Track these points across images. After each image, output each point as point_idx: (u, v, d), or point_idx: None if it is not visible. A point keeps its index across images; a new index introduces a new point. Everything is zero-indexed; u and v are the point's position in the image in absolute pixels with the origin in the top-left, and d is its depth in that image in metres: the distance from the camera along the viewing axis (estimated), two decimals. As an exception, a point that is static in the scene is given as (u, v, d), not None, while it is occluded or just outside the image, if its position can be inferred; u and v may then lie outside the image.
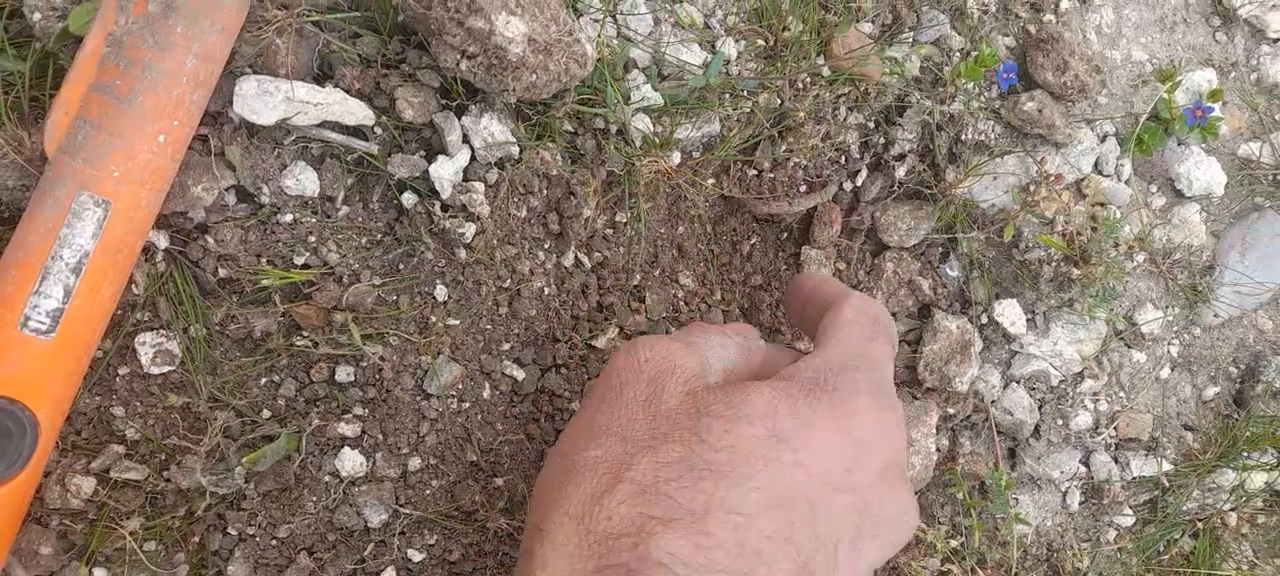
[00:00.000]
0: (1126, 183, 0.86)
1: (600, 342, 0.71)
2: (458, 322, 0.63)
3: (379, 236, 0.61)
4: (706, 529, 0.40)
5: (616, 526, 0.40)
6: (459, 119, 0.61)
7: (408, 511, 0.62)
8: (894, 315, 0.83)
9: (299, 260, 0.59)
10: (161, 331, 0.57)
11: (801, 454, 0.43)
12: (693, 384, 0.47)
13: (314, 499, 0.60)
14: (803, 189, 0.76)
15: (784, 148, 0.73)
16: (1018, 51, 0.83)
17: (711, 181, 0.74)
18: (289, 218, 0.58)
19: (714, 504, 0.40)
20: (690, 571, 0.38)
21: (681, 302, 0.76)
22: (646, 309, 0.74)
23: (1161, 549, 0.89)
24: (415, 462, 0.62)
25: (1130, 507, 0.88)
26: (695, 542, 0.39)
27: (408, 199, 0.61)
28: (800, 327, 0.57)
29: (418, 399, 0.62)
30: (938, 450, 0.82)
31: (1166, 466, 0.88)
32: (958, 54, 0.80)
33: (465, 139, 0.61)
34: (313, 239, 0.59)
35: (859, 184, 0.81)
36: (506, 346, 0.66)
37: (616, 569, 0.39)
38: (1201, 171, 0.89)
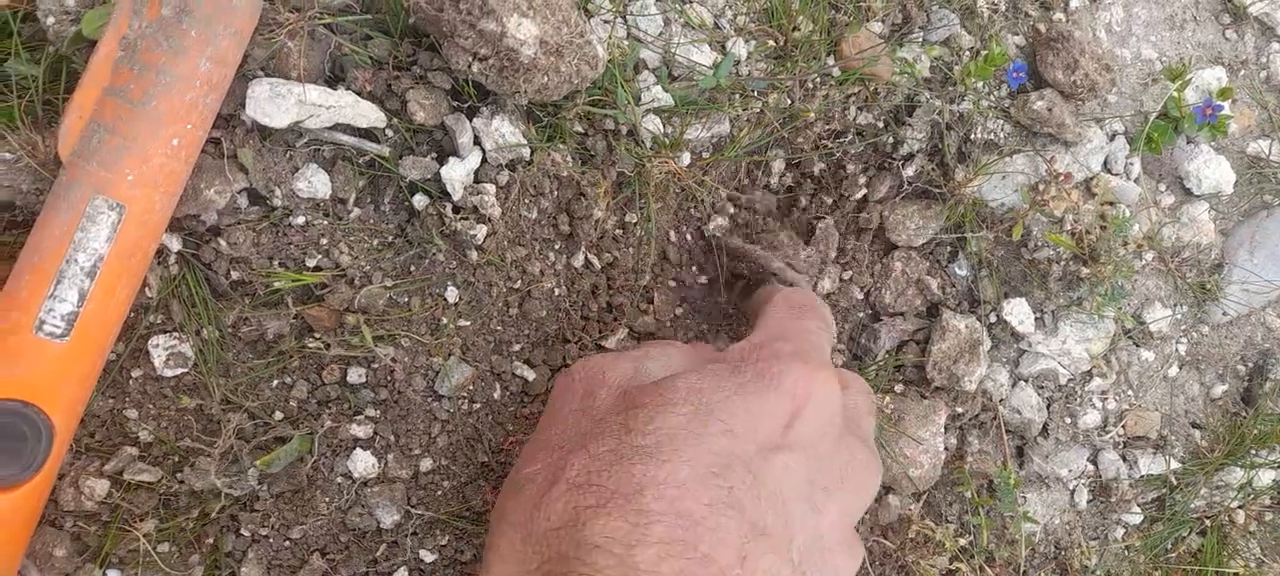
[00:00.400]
0: (1135, 181, 0.85)
1: (610, 343, 0.71)
2: (469, 324, 0.63)
3: (390, 238, 0.61)
4: (640, 506, 0.41)
5: (554, 522, 0.42)
6: (470, 121, 0.61)
7: (420, 512, 0.62)
8: (901, 314, 0.83)
9: (311, 262, 0.59)
10: (174, 334, 0.57)
11: (731, 422, 0.44)
12: (625, 385, 0.49)
13: (327, 500, 0.60)
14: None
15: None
16: (1027, 50, 0.83)
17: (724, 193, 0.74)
18: (301, 220, 0.58)
19: (646, 481, 0.41)
20: (628, 549, 0.39)
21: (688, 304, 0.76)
22: (655, 309, 0.74)
23: (1169, 547, 0.89)
24: (427, 464, 0.62)
25: (1138, 505, 0.88)
26: (630, 521, 0.40)
27: (419, 201, 0.61)
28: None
29: (429, 400, 0.62)
30: (946, 449, 0.82)
31: (1174, 464, 0.88)
32: (967, 53, 0.80)
33: (476, 141, 0.61)
34: (325, 241, 0.59)
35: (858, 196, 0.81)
36: (517, 347, 0.66)
37: (557, 560, 0.40)
38: (1211, 169, 0.89)
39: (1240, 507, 0.89)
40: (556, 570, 0.40)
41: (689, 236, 0.75)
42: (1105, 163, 0.85)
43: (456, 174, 0.60)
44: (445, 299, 0.62)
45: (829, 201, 0.81)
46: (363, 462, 0.60)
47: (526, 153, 0.62)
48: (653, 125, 0.67)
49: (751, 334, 0.53)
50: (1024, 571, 0.83)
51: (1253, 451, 0.89)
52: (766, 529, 0.42)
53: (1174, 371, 0.90)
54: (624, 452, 0.43)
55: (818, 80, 0.73)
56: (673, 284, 0.75)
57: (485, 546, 0.47)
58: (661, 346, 0.55)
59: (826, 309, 0.60)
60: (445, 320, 0.62)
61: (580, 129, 0.65)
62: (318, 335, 0.59)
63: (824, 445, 0.47)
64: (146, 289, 0.56)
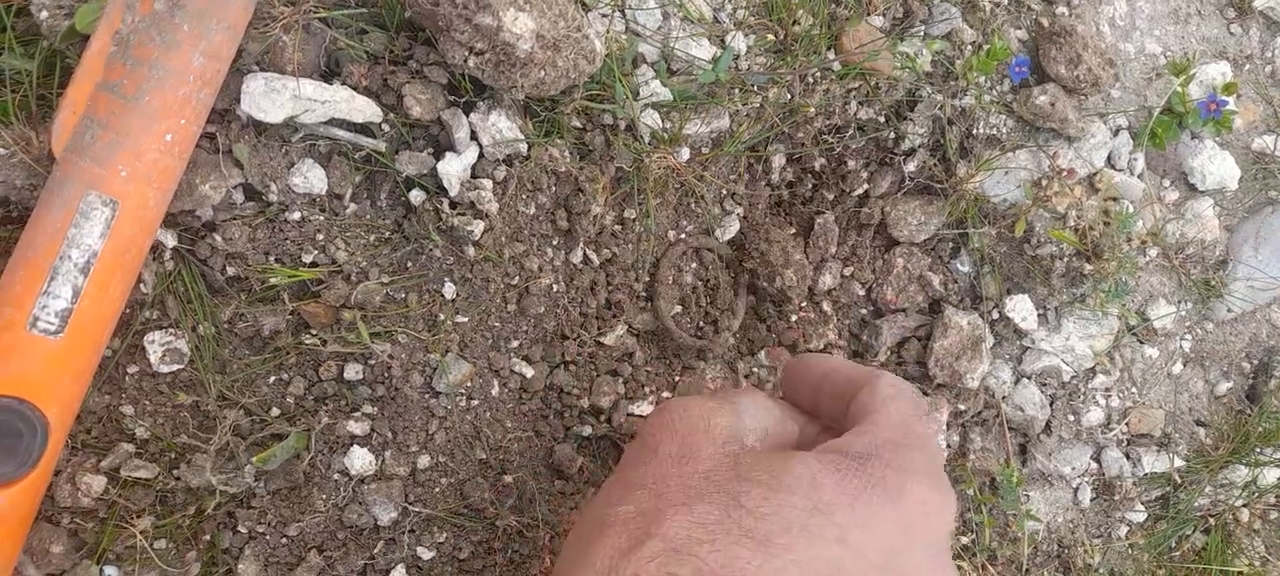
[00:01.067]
0: (1139, 177, 0.85)
1: (609, 339, 0.70)
2: (466, 320, 0.63)
3: (387, 234, 0.61)
4: None
5: None
6: (467, 116, 0.60)
7: (417, 509, 0.62)
8: (903, 311, 0.83)
9: (307, 258, 0.58)
10: (170, 330, 0.57)
11: (846, 530, 0.41)
12: (729, 445, 0.46)
13: (324, 497, 0.60)
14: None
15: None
16: (1030, 44, 0.82)
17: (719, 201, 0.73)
18: (297, 215, 0.58)
19: (749, 571, 0.38)
20: None
21: (692, 302, 0.76)
22: (655, 307, 0.74)
23: (1173, 545, 0.88)
24: (424, 460, 0.62)
25: (1142, 503, 0.87)
26: None
27: (416, 196, 0.60)
28: (814, 413, 0.54)
29: (427, 397, 0.62)
30: (948, 446, 0.82)
31: (1178, 462, 0.88)
32: (969, 47, 0.79)
33: (473, 136, 0.61)
34: (321, 237, 0.59)
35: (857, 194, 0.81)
36: (515, 343, 0.66)
37: None
38: (1215, 165, 0.88)
39: (1245, 505, 0.88)
40: None
41: (687, 233, 0.75)
42: (1109, 158, 0.85)
43: (453, 169, 0.60)
44: (442, 295, 0.61)
45: (830, 197, 0.80)
46: (360, 459, 0.60)
47: (524, 148, 0.61)
48: (651, 120, 0.66)
49: (872, 425, 0.47)
50: (1027, 569, 0.83)
51: (1257, 449, 0.88)
52: None
53: (1178, 368, 0.90)
54: (731, 528, 0.40)
55: (818, 75, 0.72)
56: (672, 281, 0.74)
57: (556, 571, 0.45)
58: (752, 398, 0.51)
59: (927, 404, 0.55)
60: (443, 316, 0.62)
61: (578, 124, 0.65)
62: (314, 331, 0.59)
63: (925, 570, 0.44)
64: (142, 285, 0.56)
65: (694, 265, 0.76)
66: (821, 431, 0.52)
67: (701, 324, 0.77)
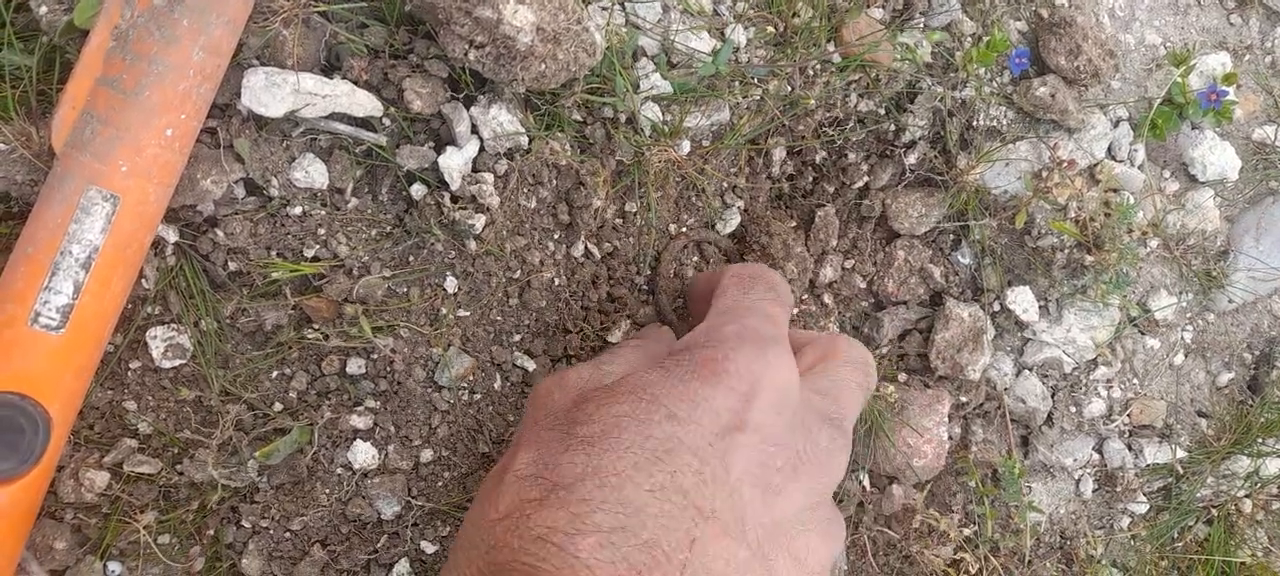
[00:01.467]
0: (1140, 168, 0.85)
1: (614, 336, 0.70)
2: (468, 314, 0.63)
3: (388, 228, 0.61)
4: (581, 495, 0.40)
5: (501, 512, 0.42)
6: (467, 109, 0.60)
7: (420, 503, 0.62)
8: (904, 303, 0.83)
9: (309, 253, 0.58)
10: (172, 325, 0.57)
11: (675, 408, 0.44)
12: (582, 387, 0.49)
13: (327, 491, 0.60)
14: None
15: None
16: (1030, 36, 0.82)
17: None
18: (298, 210, 0.58)
19: (587, 472, 0.41)
20: (569, 538, 0.39)
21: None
22: (655, 300, 0.74)
23: (1176, 536, 0.88)
24: (427, 454, 0.62)
25: (1144, 495, 0.87)
26: (571, 512, 0.40)
27: (417, 190, 0.60)
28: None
29: (429, 390, 0.62)
30: (950, 438, 0.82)
31: (1180, 453, 0.88)
32: (969, 39, 0.79)
33: (474, 129, 0.61)
34: (322, 231, 0.59)
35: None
36: (517, 337, 0.66)
37: (503, 551, 0.40)
38: (1215, 156, 0.88)
39: (1247, 496, 0.88)
40: (502, 560, 0.40)
41: (689, 224, 0.75)
42: (1109, 149, 0.85)
43: (454, 163, 0.59)
44: (444, 289, 0.61)
45: (830, 190, 0.80)
46: (363, 454, 0.60)
47: (525, 141, 0.61)
48: (652, 113, 0.66)
49: (703, 322, 0.52)
50: (1029, 561, 0.83)
51: (1259, 440, 0.88)
52: (715, 512, 0.41)
53: (1180, 359, 0.90)
54: (568, 444, 0.43)
55: (818, 67, 0.72)
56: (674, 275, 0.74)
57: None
58: (621, 348, 0.55)
59: (777, 276, 0.58)
60: (444, 310, 0.62)
61: (578, 117, 0.65)
62: (316, 326, 0.59)
63: (777, 427, 0.46)
64: (143, 280, 0.56)
65: (695, 258, 0.76)
66: None
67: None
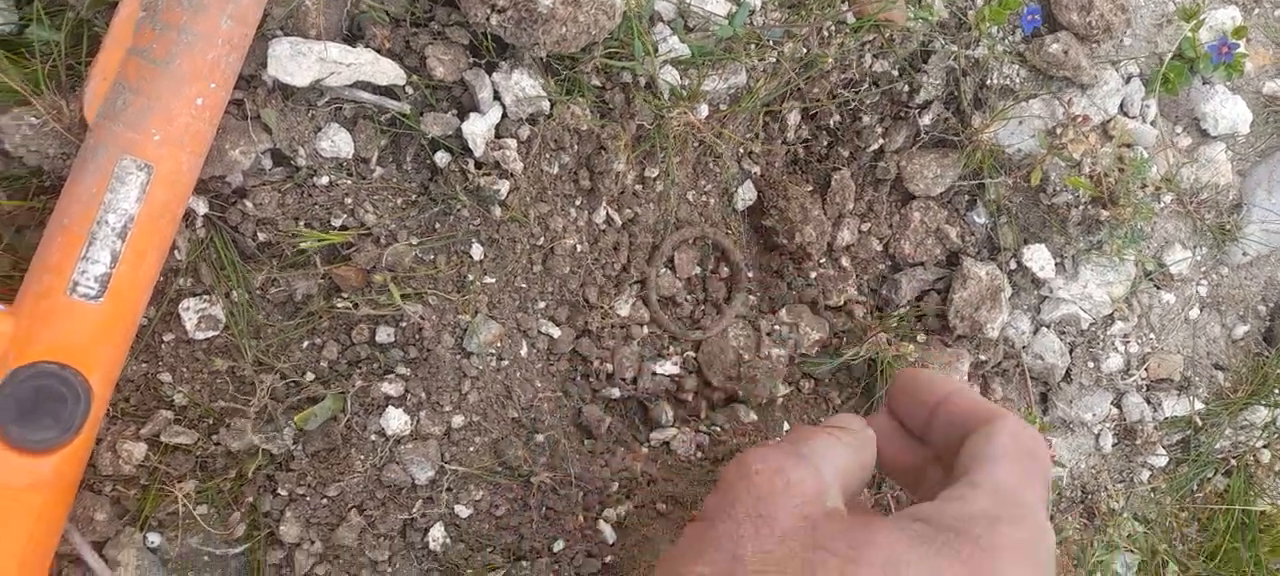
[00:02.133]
0: (1152, 123, 0.85)
1: (622, 308, 0.70)
2: (494, 281, 0.63)
3: (414, 196, 0.61)
4: None
5: None
6: (489, 76, 0.61)
7: (453, 467, 0.63)
8: (922, 264, 0.83)
9: (336, 222, 0.59)
10: (205, 297, 0.57)
11: None
12: (808, 507, 0.43)
13: (361, 458, 0.60)
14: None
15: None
16: (1041, -6, 0.83)
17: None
18: (325, 180, 0.58)
19: None
20: None
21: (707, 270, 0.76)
22: (676, 272, 0.75)
23: (1195, 487, 0.89)
24: (458, 420, 0.63)
25: (1163, 448, 0.88)
26: None
27: (441, 158, 0.61)
28: (923, 437, 0.50)
29: (458, 357, 0.62)
30: (970, 396, 0.82)
31: (1198, 406, 0.88)
32: (981, -2, 0.80)
33: (496, 96, 0.61)
34: (349, 200, 0.59)
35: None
36: (542, 304, 0.66)
37: None
38: (1227, 110, 0.88)
39: (1265, 446, 0.89)
40: None
41: (711, 200, 0.75)
42: (1121, 105, 0.85)
43: (478, 129, 0.60)
44: (470, 256, 0.62)
45: (846, 154, 0.81)
46: (395, 420, 0.60)
47: (546, 106, 0.62)
48: (670, 76, 0.67)
49: (972, 488, 0.43)
50: (1052, 516, 0.83)
51: (1276, 391, 0.88)
52: None
53: (1195, 313, 0.90)
54: None
55: (832, 28, 0.73)
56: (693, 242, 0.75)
57: None
58: (828, 444, 0.47)
59: (1049, 457, 0.49)
60: (471, 277, 0.62)
61: (598, 83, 0.65)
62: (346, 295, 0.59)
63: None
64: (175, 252, 0.56)
65: (695, 252, 0.76)
66: (932, 459, 0.49)
67: (702, 305, 0.77)
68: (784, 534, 0.41)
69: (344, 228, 0.59)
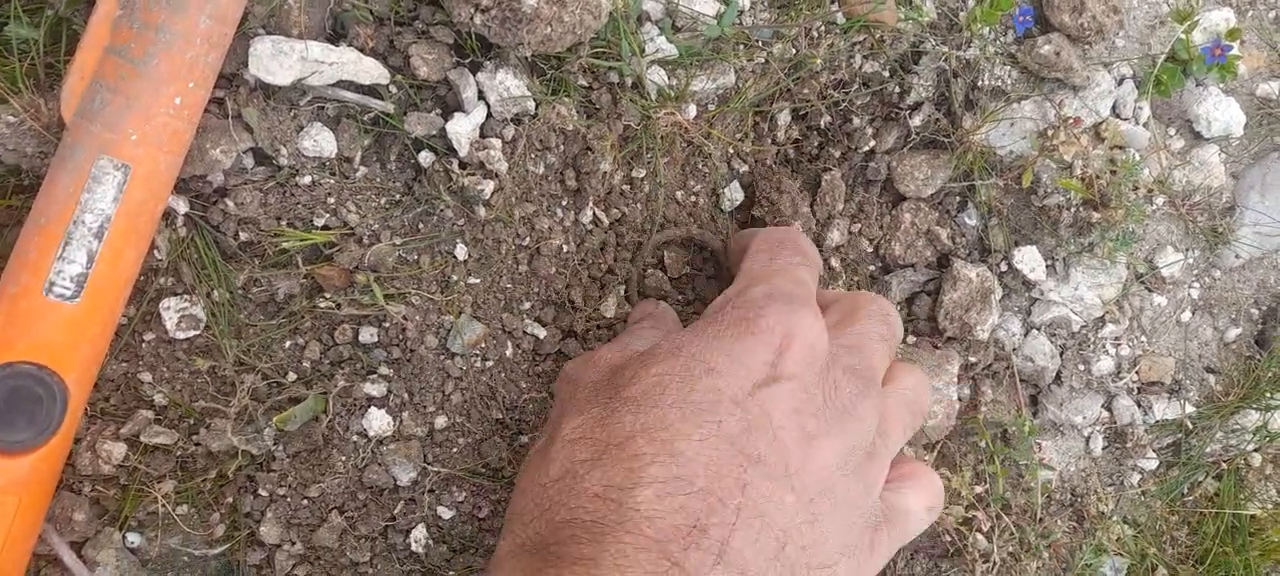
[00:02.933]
0: (1145, 125, 0.85)
1: (608, 308, 0.70)
2: (478, 281, 0.63)
3: (398, 196, 0.61)
4: (633, 451, 0.42)
5: (553, 475, 0.43)
6: (474, 75, 0.60)
7: (436, 469, 0.62)
8: (912, 266, 0.83)
9: (319, 221, 0.58)
10: (185, 296, 0.57)
11: (714, 363, 0.45)
12: (614, 361, 0.51)
13: (343, 459, 0.60)
14: None
15: None
16: (1033, -6, 0.82)
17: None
18: (307, 179, 0.58)
19: (637, 429, 0.43)
20: (626, 492, 0.40)
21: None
22: (666, 268, 0.74)
23: (1186, 491, 0.88)
24: (442, 421, 0.62)
25: (1154, 451, 0.88)
26: (626, 467, 0.41)
27: (425, 158, 0.60)
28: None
29: (442, 358, 0.62)
30: (960, 399, 0.82)
31: (1189, 409, 0.88)
32: (973, -2, 0.79)
33: (481, 95, 0.61)
34: (332, 200, 0.59)
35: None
36: (527, 305, 0.66)
37: (559, 510, 0.41)
38: (1220, 112, 0.88)
39: (1256, 450, 0.89)
40: (560, 520, 0.41)
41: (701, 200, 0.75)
42: (1114, 107, 0.84)
43: (462, 129, 0.60)
44: (454, 256, 0.62)
45: (836, 154, 0.80)
46: (378, 421, 0.60)
47: (531, 106, 0.61)
48: (658, 77, 0.66)
49: (734, 282, 0.54)
50: (1040, 518, 0.83)
51: (1268, 394, 0.88)
52: (761, 458, 0.43)
53: (1187, 316, 0.90)
54: (614, 407, 0.45)
55: (822, 28, 0.72)
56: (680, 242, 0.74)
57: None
58: (636, 329, 0.57)
59: (806, 240, 0.62)
60: (455, 277, 0.62)
61: (584, 82, 0.65)
62: (328, 294, 0.59)
63: (809, 378, 0.48)
64: (155, 251, 0.56)
65: (684, 251, 0.76)
66: None
67: (692, 304, 0.76)
68: (592, 383, 0.50)
69: (327, 227, 0.59)
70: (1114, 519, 0.86)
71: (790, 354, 0.47)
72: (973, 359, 0.83)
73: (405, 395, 0.61)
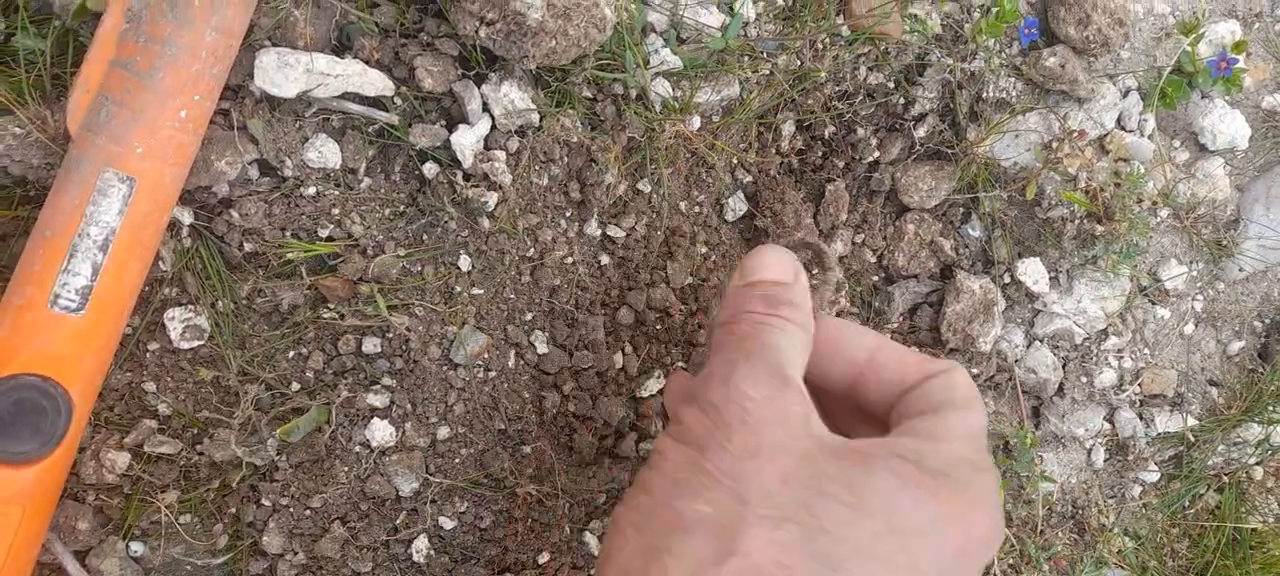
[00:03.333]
0: (1150, 138, 0.85)
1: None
2: (482, 292, 0.63)
3: (402, 207, 0.61)
4: None
5: None
6: (479, 87, 0.60)
7: (438, 479, 0.63)
8: (915, 277, 0.83)
9: (323, 233, 0.59)
10: (190, 306, 0.57)
11: (917, 557, 0.40)
12: (804, 442, 0.43)
13: (346, 469, 0.60)
14: None
15: None
16: (1039, 6, 0.82)
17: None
18: (312, 190, 0.58)
19: None
20: None
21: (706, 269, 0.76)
22: (669, 277, 0.74)
23: (1187, 504, 0.88)
24: (444, 431, 0.63)
25: (1155, 463, 0.88)
26: None
27: (429, 169, 0.60)
28: (844, 390, 0.50)
29: (445, 368, 0.62)
30: (961, 410, 0.82)
31: (1191, 422, 0.88)
32: (978, 10, 0.79)
33: (485, 107, 0.61)
34: (336, 211, 0.59)
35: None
36: (530, 316, 0.66)
37: None
38: (1225, 124, 0.88)
39: (1258, 464, 0.89)
40: None
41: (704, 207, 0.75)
42: (1119, 119, 0.84)
43: (466, 141, 0.60)
44: (458, 267, 0.62)
45: (840, 164, 0.80)
46: (380, 431, 0.60)
47: (536, 118, 0.61)
48: (662, 89, 0.66)
49: (950, 433, 0.44)
50: (1041, 530, 0.83)
51: (1270, 407, 0.88)
52: None
53: (1190, 328, 0.90)
54: (814, 553, 0.39)
55: (827, 40, 0.72)
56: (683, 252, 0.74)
57: (605, 556, 0.44)
58: (793, 338, 0.47)
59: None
60: (459, 288, 0.62)
61: (589, 94, 0.65)
62: (332, 305, 0.59)
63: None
64: (160, 262, 0.56)
65: (687, 261, 0.76)
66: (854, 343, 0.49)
67: (694, 315, 0.76)
68: (786, 474, 0.41)
69: (331, 238, 0.59)
70: (1115, 531, 0.86)
71: (971, 565, 0.42)
72: (975, 370, 0.83)
73: (408, 405, 0.61)
